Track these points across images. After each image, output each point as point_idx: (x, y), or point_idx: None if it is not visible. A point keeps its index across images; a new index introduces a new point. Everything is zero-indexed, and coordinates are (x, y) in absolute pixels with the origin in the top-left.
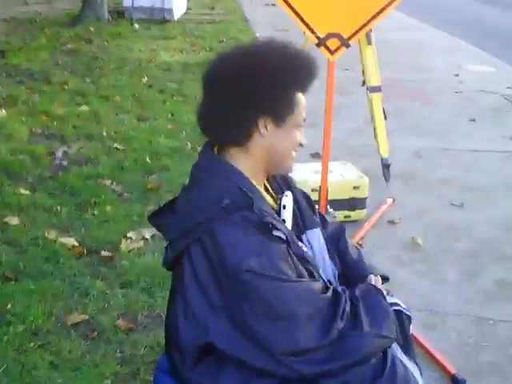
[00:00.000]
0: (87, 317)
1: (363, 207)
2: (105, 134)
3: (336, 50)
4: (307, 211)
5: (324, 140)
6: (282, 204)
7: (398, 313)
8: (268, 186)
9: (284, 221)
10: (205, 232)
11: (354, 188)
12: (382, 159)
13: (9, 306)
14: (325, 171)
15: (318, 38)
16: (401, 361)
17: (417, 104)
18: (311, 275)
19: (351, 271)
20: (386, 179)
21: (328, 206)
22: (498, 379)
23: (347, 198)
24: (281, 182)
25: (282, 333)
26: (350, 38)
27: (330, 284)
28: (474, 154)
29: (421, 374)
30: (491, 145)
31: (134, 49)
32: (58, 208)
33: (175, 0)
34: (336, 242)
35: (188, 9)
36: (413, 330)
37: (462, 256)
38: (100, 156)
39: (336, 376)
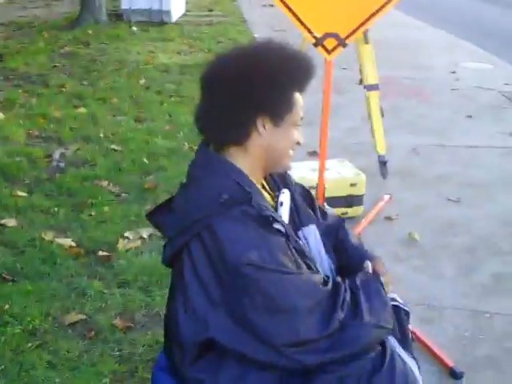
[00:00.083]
0: (84, 316)
1: (360, 204)
2: (102, 135)
3: (333, 50)
4: (303, 208)
5: (321, 138)
6: (280, 201)
7: (396, 308)
8: (265, 183)
9: (281, 217)
10: (204, 228)
11: (351, 185)
12: (378, 156)
13: (6, 306)
14: (322, 169)
15: (315, 37)
16: (399, 355)
17: (414, 102)
18: (310, 269)
19: (351, 258)
20: (384, 176)
21: (325, 204)
22: (494, 372)
23: (344, 195)
24: (278, 180)
25: (282, 325)
26: (347, 37)
27: (328, 278)
28: (472, 151)
29: (419, 368)
30: (489, 141)
31: (131, 51)
32: (55, 209)
33: (173, 2)
34: (335, 232)
35: (186, 11)
36: (410, 324)
37: (459, 251)
38: (97, 157)
39: (339, 364)
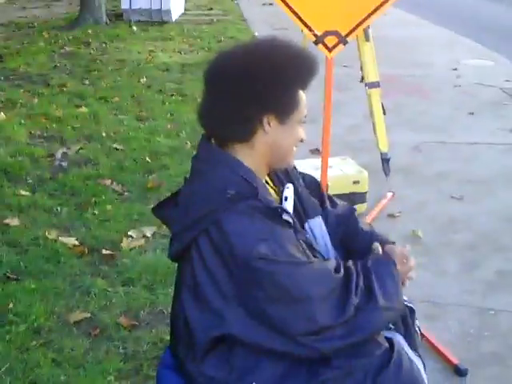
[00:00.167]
0: (89, 315)
1: (363, 201)
2: (104, 134)
3: (334, 47)
4: (309, 200)
5: (323, 136)
6: (284, 196)
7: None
8: (268, 180)
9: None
10: (211, 223)
11: (354, 182)
12: (381, 154)
13: (11, 305)
14: (324, 167)
15: (315, 35)
16: (406, 353)
17: (415, 99)
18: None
19: (362, 242)
20: (386, 173)
21: None
22: (499, 368)
23: (347, 192)
24: (281, 175)
25: (298, 315)
26: (347, 35)
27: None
28: (473, 147)
29: (424, 365)
30: (490, 137)
31: (132, 50)
32: (59, 208)
33: (173, 1)
34: (346, 220)
35: (186, 10)
36: (417, 320)
37: (462, 248)
38: (100, 156)
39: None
